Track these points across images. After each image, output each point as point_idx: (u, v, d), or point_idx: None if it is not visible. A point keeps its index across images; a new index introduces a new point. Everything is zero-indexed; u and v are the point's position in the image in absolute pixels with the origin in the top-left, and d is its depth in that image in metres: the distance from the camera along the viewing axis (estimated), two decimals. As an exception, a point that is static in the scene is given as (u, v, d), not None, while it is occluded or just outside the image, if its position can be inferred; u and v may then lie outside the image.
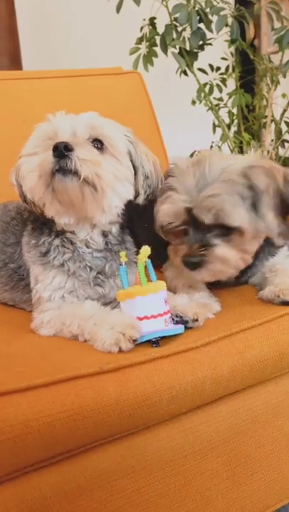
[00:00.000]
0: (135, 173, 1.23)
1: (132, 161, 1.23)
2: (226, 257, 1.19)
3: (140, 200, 1.26)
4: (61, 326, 1.16)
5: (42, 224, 1.26)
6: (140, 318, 1.09)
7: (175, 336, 1.10)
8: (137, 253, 1.25)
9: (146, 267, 1.13)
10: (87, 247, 1.24)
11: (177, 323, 1.14)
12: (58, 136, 1.16)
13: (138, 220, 1.71)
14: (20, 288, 1.34)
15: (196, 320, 1.14)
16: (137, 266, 1.12)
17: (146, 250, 1.13)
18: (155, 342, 1.08)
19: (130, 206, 1.67)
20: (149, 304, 1.09)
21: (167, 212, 1.22)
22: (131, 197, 1.24)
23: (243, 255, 1.22)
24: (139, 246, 1.65)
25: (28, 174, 1.17)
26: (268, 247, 1.33)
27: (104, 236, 1.26)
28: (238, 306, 1.26)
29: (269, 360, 1.13)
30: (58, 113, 1.21)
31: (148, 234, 1.66)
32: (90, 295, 1.25)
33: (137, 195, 1.25)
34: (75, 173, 1.11)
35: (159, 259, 1.52)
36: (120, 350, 1.04)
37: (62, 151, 1.09)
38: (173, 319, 1.14)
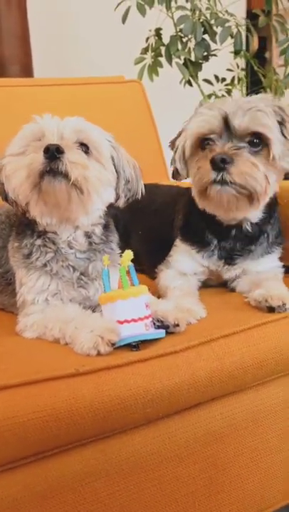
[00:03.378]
0: (117, 178, 1.26)
1: (114, 165, 1.25)
2: (254, 162, 1.23)
3: (120, 203, 1.28)
4: (44, 330, 1.17)
5: (25, 226, 1.27)
6: (120, 322, 1.09)
7: (156, 340, 1.11)
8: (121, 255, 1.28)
9: (128, 271, 1.13)
10: (70, 247, 1.25)
11: (159, 327, 1.14)
12: (46, 137, 1.17)
13: (133, 226, 1.73)
14: (8, 292, 1.35)
15: (177, 325, 1.14)
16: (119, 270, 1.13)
17: (128, 254, 1.14)
18: (135, 346, 1.08)
19: (126, 214, 1.70)
20: (129, 307, 1.10)
21: (201, 121, 1.28)
22: (112, 200, 1.27)
23: (266, 173, 1.24)
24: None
25: (13, 173, 1.18)
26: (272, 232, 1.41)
27: (87, 237, 1.27)
28: (222, 313, 1.26)
29: (249, 368, 1.13)
30: (45, 115, 1.23)
31: (142, 242, 1.68)
32: (74, 297, 1.26)
33: (117, 198, 1.27)
34: (65, 176, 1.13)
35: (152, 265, 1.54)
36: (99, 354, 1.04)
37: (54, 153, 1.11)
38: (154, 324, 1.14)
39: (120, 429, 1.03)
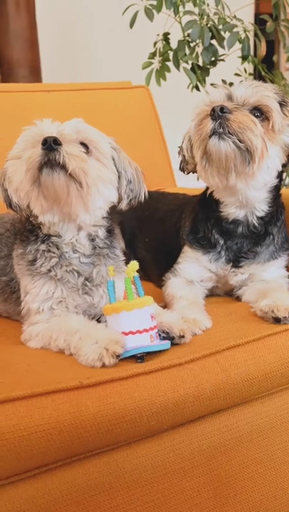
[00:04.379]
0: (119, 178, 1.26)
1: (115, 165, 1.26)
2: (253, 119, 1.26)
3: (123, 205, 1.29)
4: (49, 340, 1.17)
5: (28, 232, 1.27)
6: (125, 333, 1.09)
7: (160, 351, 1.10)
8: (126, 263, 1.28)
9: (133, 281, 1.13)
10: (74, 251, 1.25)
11: (164, 339, 1.14)
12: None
13: (139, 234, 1.73)
14: (13, 300, 1.35)
15: (183, 336, 1.14)
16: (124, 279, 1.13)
17: (134, 265, 1.13)
18: (140, 357, 1.08)
19: (132, 222, 1.70)
20: (134, 319, 1.09)
21: (206, 100, 1.34)
22: (114, 200, 1.27)
23: (264, 138, 1.28)
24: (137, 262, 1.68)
25: (14, 173, 1.19)
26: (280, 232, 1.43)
27: (91, 240, 1.27)
28: (228, 324, 1.25)
29: (254, 380, 1.12)
30: (45, 119, 1.24)
31: (148, 250, 1.68)
32: (79, 304, 1.26)
33: (120, 200, 1.28)
34: (63, 167, 1.13)
35: (158, 273, 1.54)
36: (104, 366, 1.04)
37: (51, 144, 1.12)
38: (160, 335, 1.13)
39: (124, 441, 1.03)
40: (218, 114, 1.24)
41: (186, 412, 1.06)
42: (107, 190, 1.24)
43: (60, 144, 1.13)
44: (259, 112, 1.29)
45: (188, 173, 1.45)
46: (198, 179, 1.41)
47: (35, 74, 3.87)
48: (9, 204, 1.24)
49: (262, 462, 1.19)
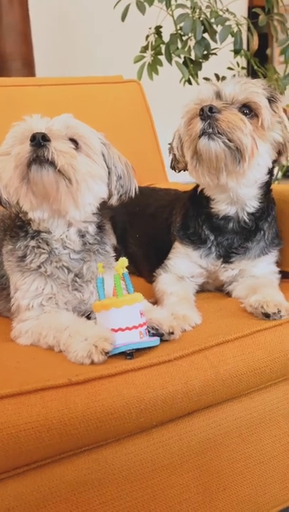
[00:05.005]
0: (109, 174, 1.26)
1: (105, 161, 1.26)
2: (242, 118, 1.26)
3: (113, 200, 1.28)
4: (38, 337, 1.17)
5: (18, 228, 1.27)
6: (115, 330, 1.09)
7: (150, 348, 1.11)
8: (116, 258, 1.29)
9: (123, 278, 1.13)
10: (64, 247, 1.25)
11: (153, 335, 1.14)
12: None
13: (130, 230, 1.73)
14: (3, 297, 1.35)
15: (172, 333, 1.14)
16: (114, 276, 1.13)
17: (123, 262, 1.13)
18: (129, 354, 1.08)
19: (123, 217, 1.70)
20: (123, 316, 1.10)
21: (195, 97, 1.33)
22: (104, 196, 1.27)
23: (253, 136, 1.28)
24: (128, 258, 1.68)
25: (3, 170, 1.19)
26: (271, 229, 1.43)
27: (81, 236, 1.27)
28: (217, 320, 1.25)
29: (243, 376, 1.13)
30: (34, 115, 1.23)
31: (139, 245, 1.69)
32: (69, 300, 1.26)
33: (110, 195, 1.28)
34: (51, 164, 1.13)
35: (149, 269, 1.54)
36: (93, 363, 1.04)
37: (39, 140, 1.12)
38: (149, 331, 1.14)
39: (113, 438, 1.03)
40: (207, 114, 1.24)
41: (175, 409, 1.07)
42: (96, 186, 1.23)
43: (48, 140, 1.13)
44: (248, 109, 1.29)
45: (179, 171, 1.45)
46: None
47: (28, 67, 3.85)
48: None
49: (251, 457, 1.20)
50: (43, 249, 1.24)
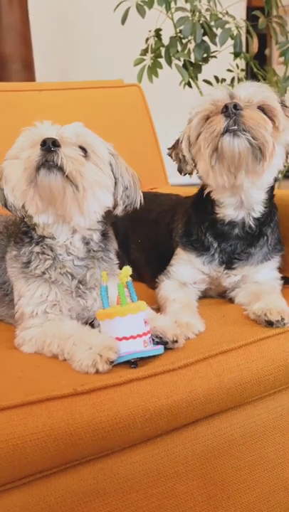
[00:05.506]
0: (115, 184, 1.27)
1: (112, 171, 1.26)
2: (264, 117, 1.27)
3: (118, 210, 1.29)
4: (42, 345, 1.17)
5: (23, 234, 1.27)
6: (119, 339, 1.09)
7: (154, 356, 1.11)
8: (120, 267, 1.29)
9: (127, 286, 1.13)
10: (68, 254, 1.26)
11: (157, 343, 1.14)
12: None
13: (132, 235, 1.73)
14: (6, 303, 1.35)
15: (176, 341, 1.14)
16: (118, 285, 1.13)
17: (127, 270, 1.13)
18: (133, 363, 1.08)
19: (125, 223, 1.70)
20: (128, 324, 1.10)
21: (207, 98, 1.33)
22: (110, 205, 1.27)
23: (273, 144, 1.28)
24: (130, 263, 1.68)
25: (11, 173, 1.20)
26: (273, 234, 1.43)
27: (85, 243, 1.27)
28: (221, 327, 1.26)
29: (247, 384, 1.13)
30: (45, 121, 1.24)
31: (141, 251, 1.69)
32: (73, 307, 1.26)
33: (115, 205, 1.28)
34: (60, 169, 1.14)
35: (151, 274, 1.54)
36: (97, 372, 1.04)
37: (49, 145, 1.13)
38: (153, 340, 1.14)
39: (118, 447, 1.04)
40: (232, 111, 1.24)
41: (179, 417, 1.07)
42: (102, 194, 1.24)
43: (58, 146, 1.14)
44: (262, 112, 1.29)
45: (185, 174, 1.44)
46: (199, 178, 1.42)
47: (27, 69, 3.85)
48: (4, 204, 1.24)
49: (255, 465, 1.20)
50: (48, 255, 1.24)
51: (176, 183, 2.10)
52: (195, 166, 1.38)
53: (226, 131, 1.25)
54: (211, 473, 1.14)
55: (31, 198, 1.18)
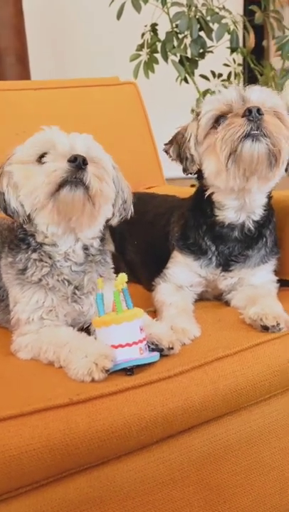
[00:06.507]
0: (116, 196, 1.27)
1: (114, 184, 1.27)
2: (280, 123, 1.29)
3: (114, 221, 1.30)
4: (38, 351, 1.17)
5: (19, 240, 1.26)
6: (115, 347, 1.09)
7: (150, 363, 1.11)
8: (115, 271, 1.31)
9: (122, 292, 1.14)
10: (66, 260, 1.25)
11: (153, 350, 1.14)
12: (57, 148, 1.18)
13: (129, 237, 1.73)
14: (1, 308, 1.35)
15: (172, 348, 1.14)
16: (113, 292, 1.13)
17: (122, 277, 1.13)
18: (129, 370, 1.09)
19: (121, 225, 1.70)
20: (123, 332, 1.10)
21: (219, 98, 1.34)
22: (110, 216, 1.28)
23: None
24: (127, 265, 1.68)
25: (25, 181, 1.19)
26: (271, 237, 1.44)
27: (85, 249, 1.27)
28: (216, 332, 1.26)
29: (242, 390, 1.14)
30: (53, 127, 1.24)
31: (137, 252, 1.69)
32: (69, 312, 1.26)
33: (111, 216, 1.29)
34: (86, 187, 1.15)
35: (148, 276, 1.54)
36: (93, 380, 1.05)
37: (80, 163, 1.14)
38: (149, 346, 1.14)
39: (115, 455, 1.04)
40: (256, 115, 1.24)
41: (175, 425, 1.08)
42: (108, 208, 1.26)
43: (86, 164, 1.14)
44: None
45: (188, 173, 1.43)
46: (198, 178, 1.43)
47: (22, 62, 3.82)
48: (4, 208, 1.23)
49: (251, 469, 1.21)
50: (46, 262, 1.24)
51: (171, 176, 2.09)
52: (201, 165, 1.38)
53: (248, 135, 1.25)
54: (207, 478, 1.15)
55: (49, 210, 1.17)
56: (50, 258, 1.24)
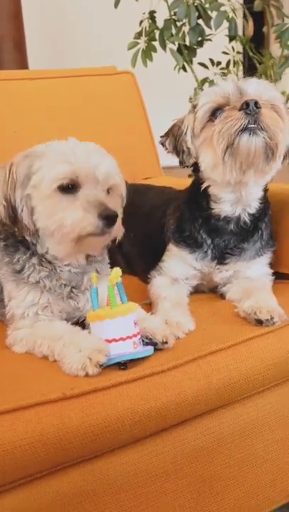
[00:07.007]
0: None
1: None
2: (276, 116, 1.29)
3: None
4: (33, 345, 1.17)
5: (18, 242, 1.25)
6: (109, 341, 1.10)
7: (144, 357, 1.11)
8: (111, 264, 1.32)
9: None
10: (67, 265, 1.25)
11: (147, 344, 1.15)
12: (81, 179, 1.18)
13: (125, 230, 1.72)
14: (-2, 302, 1.35)
15: (166, 342, 1.15)
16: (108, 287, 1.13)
17: (117, 272, 1.14)
18: (123, 364, 1.09)
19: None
20: (117, 326, 1.10)
21: (215, 90, 1.34)
22: None
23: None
24: (123, 257, 1.68)
25: (50, 211, 1.18)
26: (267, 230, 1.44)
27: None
28: (211, 325, 1.26)
29: (236, 384, 1.14)
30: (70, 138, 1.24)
31: (133, 245, 1.68)
32: (64, 308, 1.27)
33: None
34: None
35: (144, 268, 1.54)
36: (87, 375, 1.05)
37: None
38: (143, 340, 1.15)
39: (108, 449, 1.05)
40: (254, 109, 1.23)
41: (168, 418, 1.08)
42: None
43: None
44: None
45: (184, 166, 1.42)
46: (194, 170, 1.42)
47: (19, 49, 3.81)
48: (11, 220, 1.19)
49: (244, 462, 1.22)
50: (45, 267, 1.24)
51: (169, 165, 2.08)
52: (197, 158, 1.37)
53: (245, 128, 1.24)
54: (200, 471, 1.16)
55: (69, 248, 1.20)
56: (50, 263, 1.24)
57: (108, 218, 1.14)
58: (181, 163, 1.41)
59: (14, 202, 1.18)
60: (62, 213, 1.15)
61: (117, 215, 1.15)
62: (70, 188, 1.16)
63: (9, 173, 1.18)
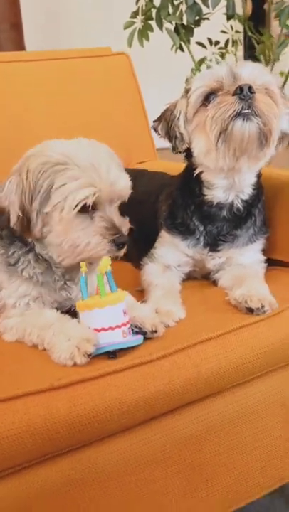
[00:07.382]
0: None
1: None
2: (271, 101, 1.27)
3: None
4: (23, 333, 1.18)
5: (13, 236, 1.23)
6: (98, 330, 1.10)
7: (133, 347, 1.11)
8: None
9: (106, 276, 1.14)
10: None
11: (136, 333, 1.15)
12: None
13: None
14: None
15: (155, 331, 1.15)
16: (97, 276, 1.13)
17: (106, 261, 1.13)
18: (112, 353, 1.09)
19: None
20: (106, 315, 1.10)
21: (209, 73, 1.33)
22: None
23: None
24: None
25: (64, 231, 1.16)
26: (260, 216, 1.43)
27: None
28: (201, 314, 1.26)
29: (225, 373, 1.14)
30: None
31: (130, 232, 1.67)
32: (56, 299, 1.27)
33: None
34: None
35: (137, 254, 1.54)
36: (75, 364, 1.05)
37: None
38: (132, 329, 1.15)
39: (97, 438, 1.06)
40: (247, 93, 1.22)
41: (157, 408, 1.09)
42: None
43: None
44: None
45: (177, 152, 1.40)
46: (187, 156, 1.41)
47: (16, 29, 3.78)
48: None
49: (233, 449, 1.22)
50: (41, 264, 1.23)
51: (163, 146, 2.05)
52: (189, 144, 1.36)
53: (239, 114, 1.23)
54: (189, 458, 1.17)
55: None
56: (46, 261, 1.23)
57: (121, 244, 1.16)
58: (174, 148, 1.40)
59: (30, 213, 1.14)
60: (77, 234, 1.14)
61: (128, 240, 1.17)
62: (87, 206, 1.13)
63: (26, 181, 1.13)
